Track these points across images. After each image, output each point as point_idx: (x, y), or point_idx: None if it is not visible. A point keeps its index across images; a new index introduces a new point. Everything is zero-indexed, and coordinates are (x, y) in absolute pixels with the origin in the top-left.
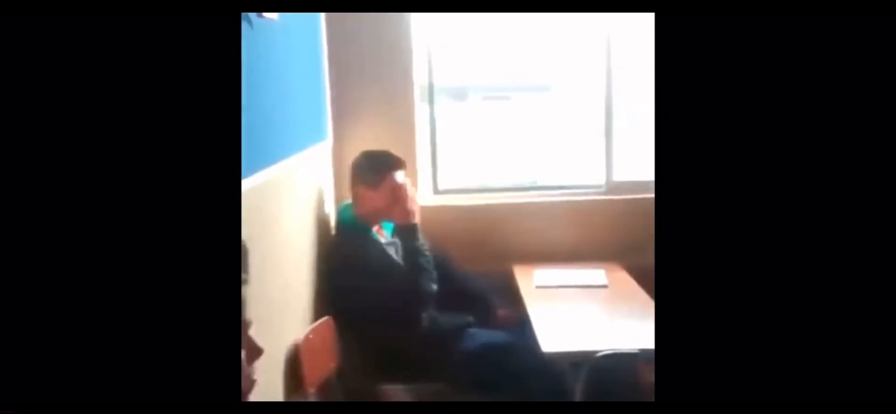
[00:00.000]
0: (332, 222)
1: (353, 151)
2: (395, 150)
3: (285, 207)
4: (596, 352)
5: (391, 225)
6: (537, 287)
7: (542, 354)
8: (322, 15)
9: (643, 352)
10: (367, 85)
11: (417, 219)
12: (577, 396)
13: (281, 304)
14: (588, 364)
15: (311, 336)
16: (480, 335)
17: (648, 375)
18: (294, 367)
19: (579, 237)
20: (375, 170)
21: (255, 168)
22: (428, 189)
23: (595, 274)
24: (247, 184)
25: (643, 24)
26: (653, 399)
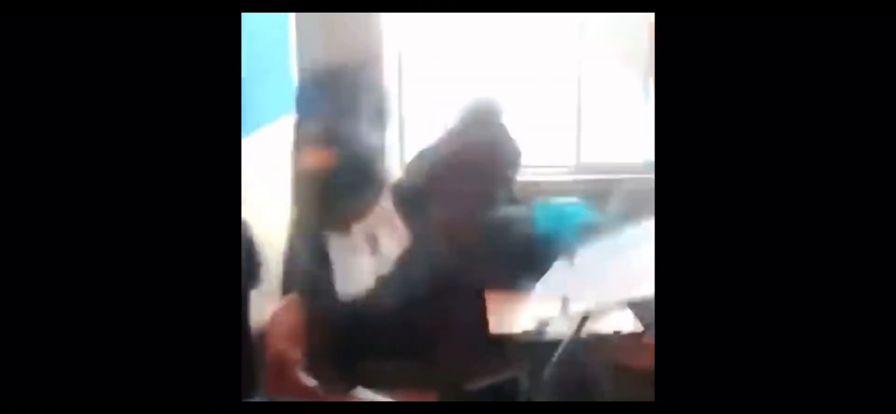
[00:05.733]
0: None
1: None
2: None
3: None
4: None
5: None
6: None
7: None
8: None
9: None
10: (335, 53)
11: None
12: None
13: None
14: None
15: (276, 315)
16: None
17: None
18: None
19: None
20: None
21: None
22: (395, 162)
23: None
24: None
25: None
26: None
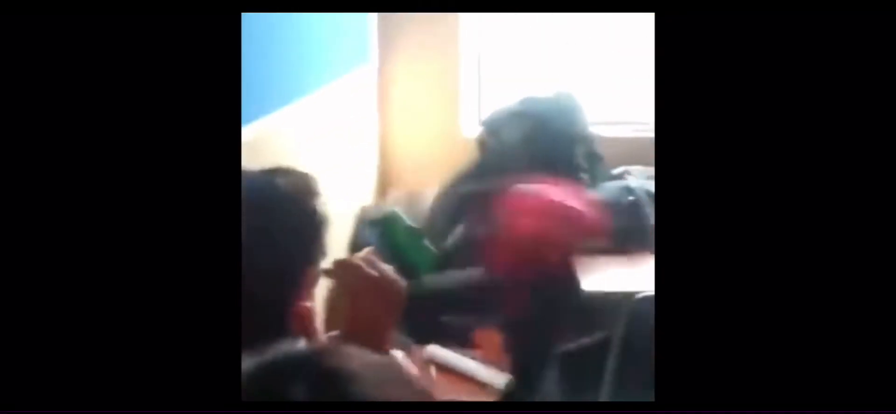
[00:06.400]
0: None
1: (399, 73)
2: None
3: (322, 140)
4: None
5: None
6: None
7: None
8: None
9: None
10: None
11: None
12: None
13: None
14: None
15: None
16: None
17: None
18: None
19: None
20: None
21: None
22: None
23: None
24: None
25: None
26: None
